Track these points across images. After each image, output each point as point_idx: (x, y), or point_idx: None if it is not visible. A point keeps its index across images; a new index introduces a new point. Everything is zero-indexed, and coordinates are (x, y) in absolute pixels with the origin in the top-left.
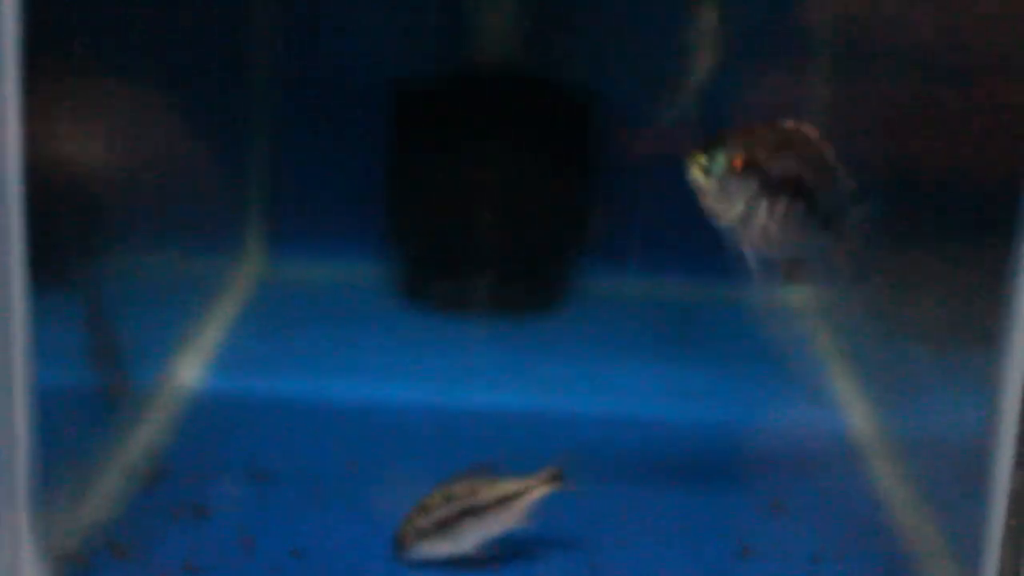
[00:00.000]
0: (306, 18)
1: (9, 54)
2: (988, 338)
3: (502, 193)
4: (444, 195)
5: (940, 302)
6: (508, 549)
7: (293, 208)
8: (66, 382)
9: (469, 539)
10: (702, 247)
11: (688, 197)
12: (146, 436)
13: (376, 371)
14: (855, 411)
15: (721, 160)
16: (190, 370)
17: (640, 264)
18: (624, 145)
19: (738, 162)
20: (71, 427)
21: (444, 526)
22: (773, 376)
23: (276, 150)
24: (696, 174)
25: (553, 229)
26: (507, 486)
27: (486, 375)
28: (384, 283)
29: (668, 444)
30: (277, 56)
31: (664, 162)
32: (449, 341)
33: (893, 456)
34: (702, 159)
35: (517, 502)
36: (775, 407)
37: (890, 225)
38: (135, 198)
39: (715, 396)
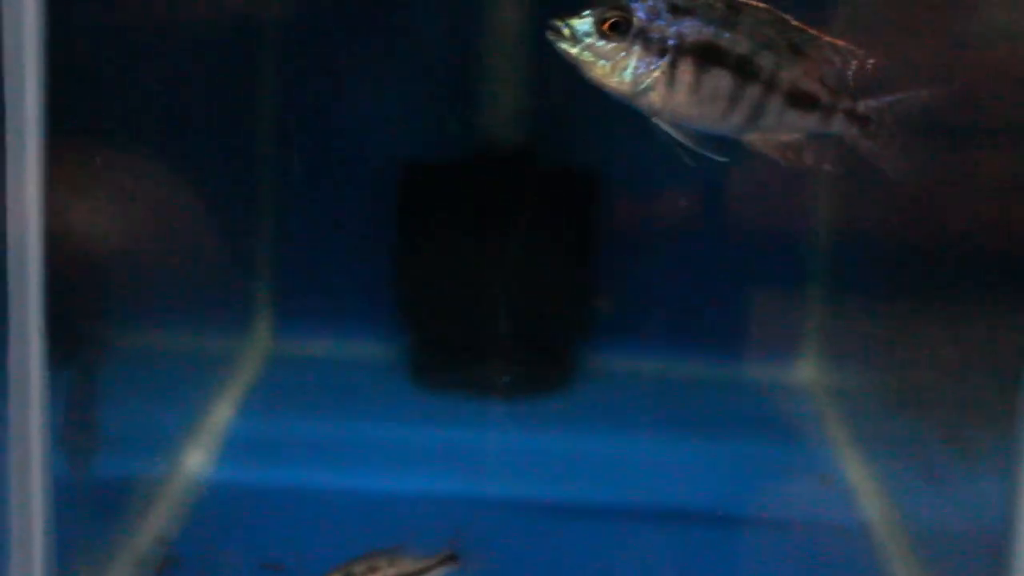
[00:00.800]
0: (317, 96)
1: (31, 133)
2: (1004, 421)
3: (511, 273)
4: (452, 274)
5: (954, 383)
6: None
7: (301, 286)
8: (77, 469)
9: None
10: (711, 325)
11: (697, 276)
12: (156, 525)
13: (386, 456)
14: (867, 496)
15: (589, 23)
16: (199, 457)
17: (649, 342)
18: (633, 224)
19: (607, 24)
20: (83, 515)
21: None
22: (783, 458)
23: (285, 227)
24: (563, 45)
25: (561, 308)
26: (405, 564)
27: (496, 459)
28: (392, 362)
29: (677, 533)
30: (287, 133)
31: (671, 241)
32: (458, 423)
33: (907, 545)
34: (565, 24)
35: None
36: (784, 491)
37: (901, 302)
38: (143, 276)
39: (720, 479)
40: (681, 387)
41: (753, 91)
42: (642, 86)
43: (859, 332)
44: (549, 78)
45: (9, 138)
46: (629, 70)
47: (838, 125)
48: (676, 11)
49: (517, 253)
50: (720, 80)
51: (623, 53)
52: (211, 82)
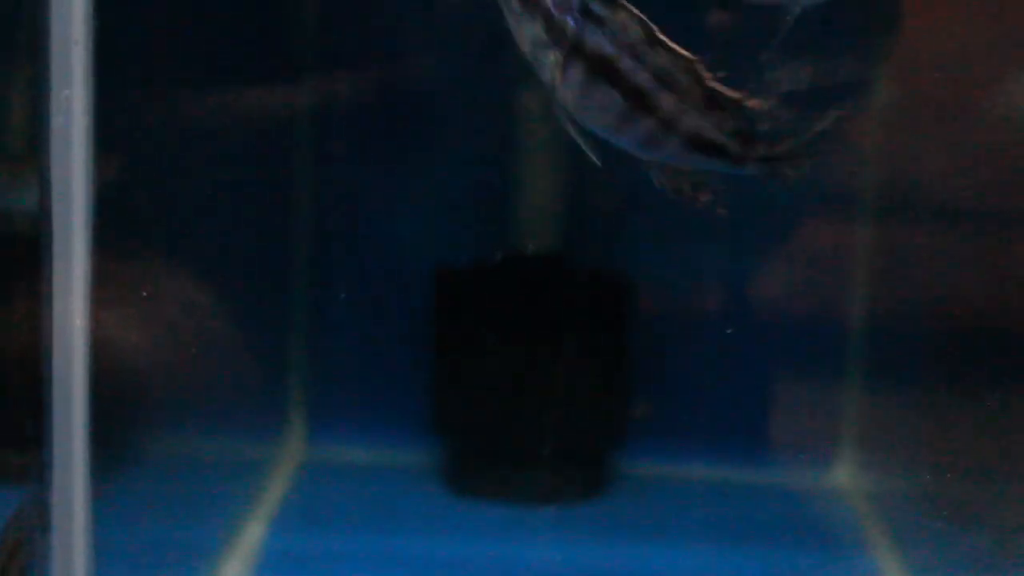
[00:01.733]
0: (351, 200)
1: (79, 249)
2: None
3: (546, 379)
4: (487, 380)
5: (1003, 486)
6: None
7: (335, 392)
8: None
9: None
10: (746, 427)
11: (731, 378)
12: None
13: (424, 568)
14: None
15: None
16: (233, 572)
17: (684, 446)
18: (665, 327)
19: None
20: None
21: None
22: (822, 567)
23: (318, 333)
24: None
25: (597, 413)
26: None
27: (533, 570)
28: (426, 468)
29: None
30: (319, 240)
31: (703, 343)
32: (495, 532)
33: None
34: None
35: None
36: None
37: (944, 398)
38: (178, 384)
39: None
40: (717, 492)
41: (647, 124)
42: (537, 61)
43: (899, 431)
44: (581, 179)
45: (56, 249)
46: (527, 39)
47: (750, 169)
48: (587, 14)
49: (551, 358)
50: (608, 98)
51: (526, 18)
52: (246, 187)
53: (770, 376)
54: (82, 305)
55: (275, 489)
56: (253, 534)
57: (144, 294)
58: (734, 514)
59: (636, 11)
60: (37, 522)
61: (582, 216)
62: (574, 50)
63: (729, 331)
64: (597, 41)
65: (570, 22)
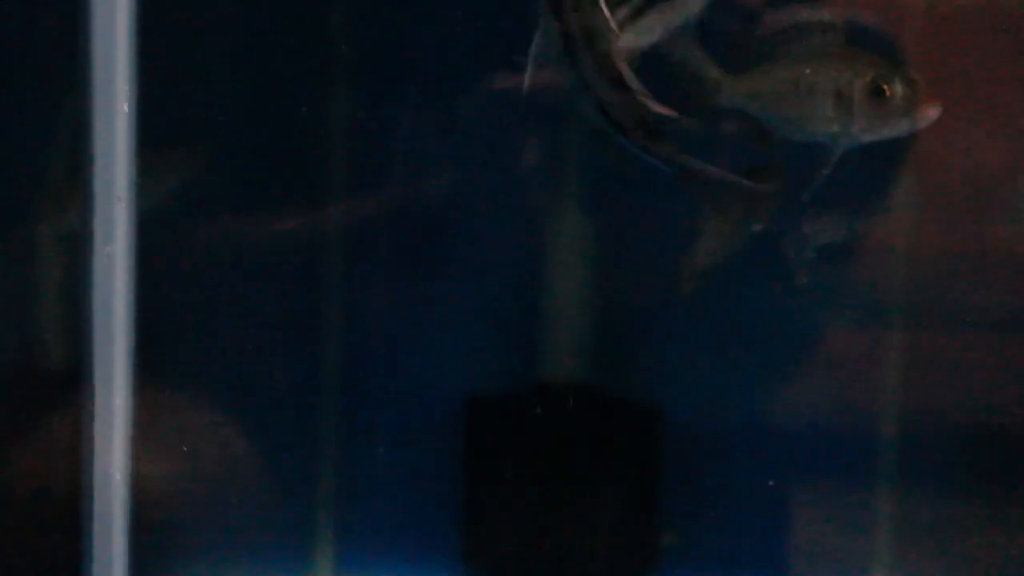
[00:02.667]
0: (377, 328)
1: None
2: None
3: (576, 508)
4: (516, 510)
5: None
6: None
7: (363, 522)
8: None
9: None
10: (779, 548)
11: (761, 503)
12: None
13: None
14: None
15: None
16: None
17: (719, 572)
18: (696, 453)
19: None
20: None
21: None
22: None
23: (347, 462)
24: None
25: (628, 543)
26: None
27: None
28: None
29: None
30: (348, 369)
31: (735, 468)
32: None
33: None
34: None
35: None
36: None
37: (975, 509)
38: (208, 520)
39: None
40: None
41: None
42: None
43: (933, 543)
44: (611, 307)
45: (96, 386)
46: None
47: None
48: None
49: (581, 487)
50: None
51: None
52: (277, 314)
53: (801, 493)
54: (123, 450)
55: None
56: None
57: (183, 444)
58: None
59: None
60: None
61: (610, 340)
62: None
63: (771, 483)
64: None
65: None
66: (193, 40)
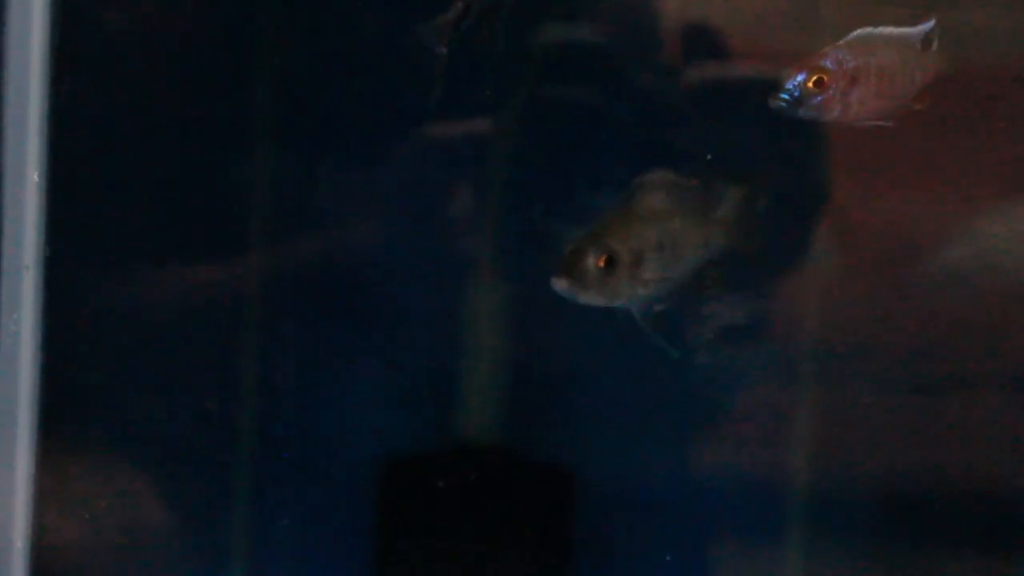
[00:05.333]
0: (290, 391)
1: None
2: None
3: (488, 571)
4: (429, 572)
5: None
6: None
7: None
8: None
9: None
10: None
11: (673, 563)
12: None
13: None
14: None
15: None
16: None
17: None
18: (610, 515)
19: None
20: None
21: None
22: None
23: (256, 532)
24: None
25: None
26: None
27: None
28: None
29: None
30: (260, 432)
31: (641, 537)
32: None
33: None
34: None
35: None
36: None
37: (883, 563)
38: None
39: None
40: None
41: None
42: None
43: None
44: (527, 370)
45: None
46: None
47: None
48: None
49: (491, 553)
50: None
51: None
52: (191, 371)
53: (711, 557)
54: (25, 518)
55: None
56: None
57: (87, 512)
58: None
59: None
60: None
61: (525, 404)
62: None
63: (668, 558)
64: None
65: None
66: (109, 97)
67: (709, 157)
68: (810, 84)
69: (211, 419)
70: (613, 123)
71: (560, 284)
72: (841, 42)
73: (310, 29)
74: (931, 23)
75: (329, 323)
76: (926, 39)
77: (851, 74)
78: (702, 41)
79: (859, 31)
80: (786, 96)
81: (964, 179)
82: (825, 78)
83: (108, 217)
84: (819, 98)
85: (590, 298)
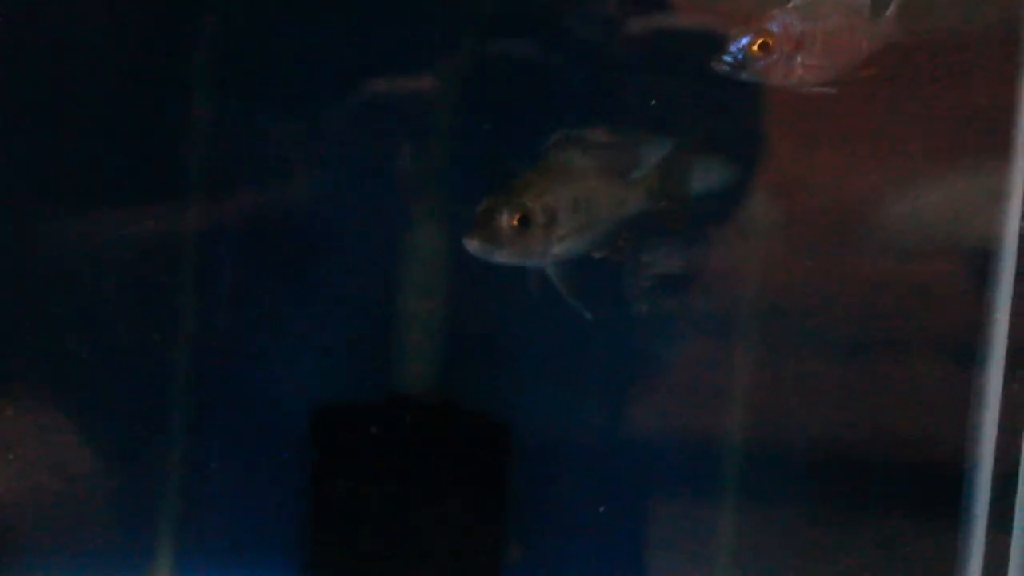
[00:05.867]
0: (226, 337)
1: None
2: None
3: (422, 523)
4: (362, 523)
5: None
6: None
7: (206, 534)
8: None
9: None
10: (622, 562)
11: (606, 517)
12: None
13: None
14: None
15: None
16: None
17: None
18: (544, 469)
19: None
20: None
21: None
22: None
23: (190, 477)
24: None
25: (471, 560)
26: None
27: None
28: None
29: None
30: (196, 377)
31: (576, 491)
32: None
33: None
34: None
35: None
36: None
37: (814, 525)
38: (41, 531)
39: None
40: None
41: None
42: None
43: (772, 557)
44: (463, 322)
45: None
46: None
47: None
48: None
49: (425, 501)
50: None
51: None
52: (123, 321)
53: (645, 515)
54: None
55: None
56: None
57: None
58: None
59: None
60: None
61: (462, 354)
62: None
63: (601, 509)
64: None
65: None
66: (43, 43)
67: (653, 102)
68: (754, 48)
69: (145, 366)
70: (556, 76)
71: (472, 244)
72: (789, 5)
73: None
74: None
75: (266, 273)
76: (876, 5)
77: (797, 39)
78: None
79: None
80: (729, 59)
81: (903, 141)
82: (770, 42)
83: (41, 164)
84: (763, 62)
85: (504, 257)
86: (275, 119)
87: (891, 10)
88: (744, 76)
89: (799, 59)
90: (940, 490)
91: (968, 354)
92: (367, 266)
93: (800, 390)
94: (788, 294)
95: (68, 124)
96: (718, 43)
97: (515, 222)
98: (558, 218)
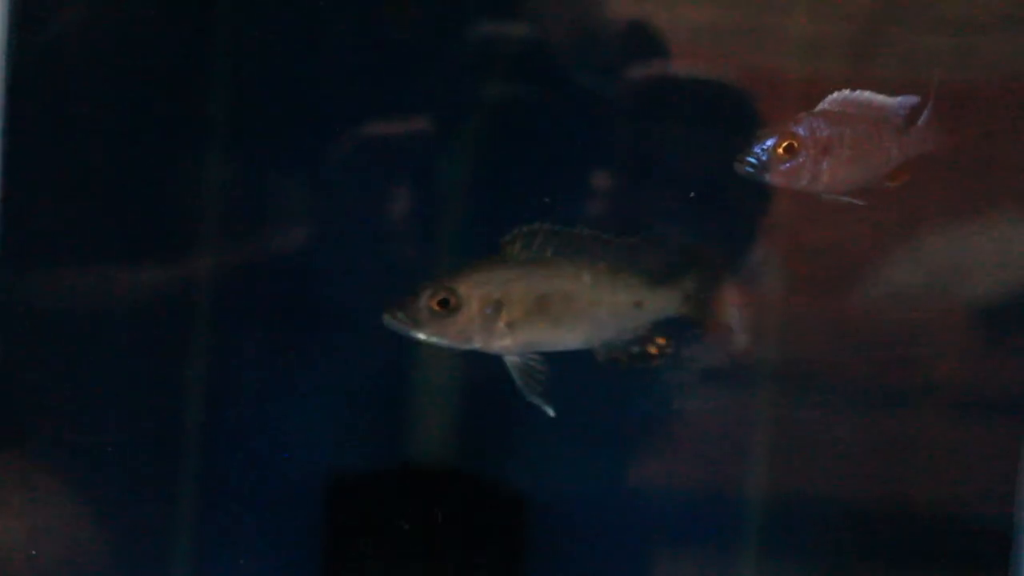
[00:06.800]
0: (239, 399)
1: None
2: None
3: None
4: None
5: None
6: None
7: None
8: None
9: None
10: None
11: None
12: None
13: None
14: None
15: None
16: None
17: None
18: (556, 544)
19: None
20: None
21: None
22: None
23: (199, 550)
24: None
25: None
26: None
27: None
28: None
29: None
30: (208, 438)
31: (596, 560)
32: None
33: None
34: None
35: None
36: None
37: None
38: None
39: None
40: None
41: None
42: None
43: None
44: (478, 391)
45: None
46: None
47: None
48: None
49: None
50: None
51: None
52: (135, 376)
53: (668, 568)
54: None
55: None
56: None
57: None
58: None
59: None
60: None
61: (475, 423)
62: None
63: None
64: None
65: None
66: (63, 101)
67: (692, 195)
68: (780, 150)
69: (159, 423)
70: (560, 123)
71: (386, 317)
72: (817, 108)
73: (264, 33)
74: (914, 99)
75: (277, 332)
76: (909, 114)
77: (824, 143)
78: (647, 43)
79: (836, 94)
80: (753, 160)
81: (908, 200)
82: (795, 144)
83: (58, 220)
84: (787, 165)
85: (428, 336)
86: (291, 181)
87: (923, 119)
88: (768, 179)
89: (825, 164)
90: (955, 543)
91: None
92: (380, 326)
93: (814, 448)
94: (801, 354)
95: (85, 184)
96: (741, 145)
97: (435, 304)
98: (505, 310)
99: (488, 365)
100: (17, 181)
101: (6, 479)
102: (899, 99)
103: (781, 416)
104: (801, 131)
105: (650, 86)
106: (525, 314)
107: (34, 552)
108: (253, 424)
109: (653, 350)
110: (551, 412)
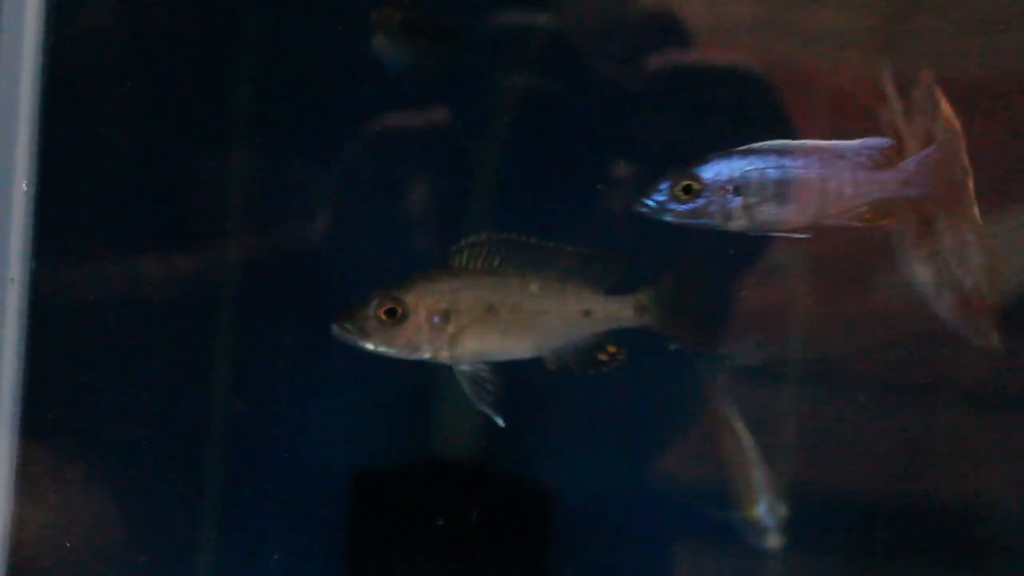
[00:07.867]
0: (264, 394)
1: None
2: None
3: None
4: None
5: None
6: None
7: None
8: None
9: None
10: None
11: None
12: None
13: None
14: None
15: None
16: None
17: None
18: (581, 538)
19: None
20: None
21: None
22: None
23: (227, 543)
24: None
25: None
26: None
27: None
28: None
29: None
30: (233, 433)
31: (621, 553)
32: None
33: None
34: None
35: None
36: None
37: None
38: None
39: None
40: None
41: None
42: None
43: None
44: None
45: None
46: None
47: None
48: None
49: (469, 564)
50: None
51: None
52: (161, 374)
53: (693, 564)
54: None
55: None
56: None
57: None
58: None
59: None
60: None
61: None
62: None
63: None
64: None
65: None
66: (96, 95)
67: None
68: (677, 190)
69: (186, 419)
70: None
71: (335, 328)
72: (742, 147)
73: (286, 34)
74: (883, 140)
75: (306, 326)
76: (878, 154)
77: (728, 183)
78: (667, 32)
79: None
80: (650, 202)
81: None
82: (694, 185)
83: (89, 215)
84: (688, 206)
85: (376, 346)
86: (316, 176)
87: (909, 162)
88: (668, 218)
89: (738, 203)
90: (976, 539)
91: None
92: None
93: (839, 446)
94: (823, 353)
95: (115, 188)
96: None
97: (383, 314)
98: (453, 319)
99: (516, 362)
100: (50, 177)
101: (40, 473)
102: (864, 140)
103: (806, 414)
104: (705, 173)
105: (674, 78)
106: (473, 323)
107: (68, 544)
108: (281, 417)
109: (603, 357)
110: (501, 422)
